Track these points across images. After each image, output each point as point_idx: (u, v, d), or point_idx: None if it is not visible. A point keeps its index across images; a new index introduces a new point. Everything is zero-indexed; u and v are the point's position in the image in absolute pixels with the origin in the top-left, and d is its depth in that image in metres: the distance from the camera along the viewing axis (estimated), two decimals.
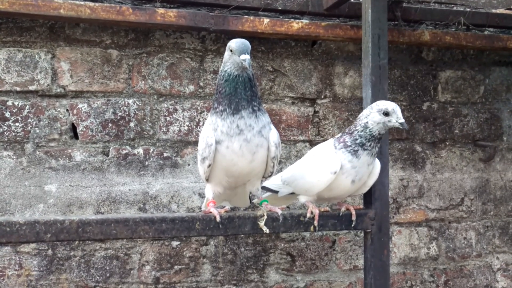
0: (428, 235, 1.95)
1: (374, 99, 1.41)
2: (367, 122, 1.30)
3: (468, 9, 1.93)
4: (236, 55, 1.18)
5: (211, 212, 1.26)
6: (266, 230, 1.27)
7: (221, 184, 1.30)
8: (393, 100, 1.94)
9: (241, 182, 1.31)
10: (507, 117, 2.08)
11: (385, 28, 1.45)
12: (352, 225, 1.35)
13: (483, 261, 2.01)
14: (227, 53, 1.21)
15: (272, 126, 1.26)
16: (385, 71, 1.43)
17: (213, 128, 1.22)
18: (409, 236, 1.92)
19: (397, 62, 1.97)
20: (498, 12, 1.98)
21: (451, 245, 1.97)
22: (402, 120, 1.28)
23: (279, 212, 1.28)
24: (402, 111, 1.94)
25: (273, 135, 1.24)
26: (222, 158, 1.22)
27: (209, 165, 1.24)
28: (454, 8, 1.96)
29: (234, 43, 1.19)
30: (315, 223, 1.31)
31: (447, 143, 2.00)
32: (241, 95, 1.18)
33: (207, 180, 1.31)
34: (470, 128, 2.03)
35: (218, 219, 1.25)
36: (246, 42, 1.20)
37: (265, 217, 1.28)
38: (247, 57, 1.16)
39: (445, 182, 1.98)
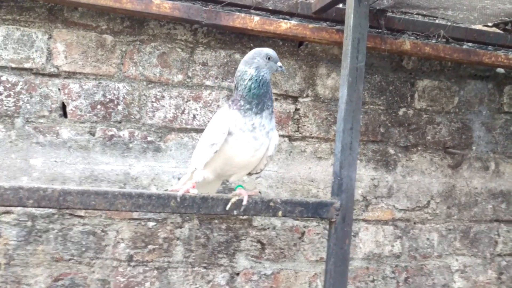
0: (393, 234, 2.05)
1: (349, 98, 1.50)
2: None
3: (449, 23, 2.03)
4: (273, 62, 1.38)
5: (178, 190, 1.34)
6: (235, 212, 1.36)
7: (215, 171, 1.41)
8: (371, 104, 2.05)
9: (232, 173, 1.44)
10: (478, 128, 2.19)
11: (365, 33, 1.54)
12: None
13: (442, 261, 2.12)
14: (262, 60, 1.37)
15: (275, 129, 1.42)
16: (361, 73, 1.52)
17: (230, 119, 1.34)
18: (375, 233, 2.03)
19: (378, 68, 2.07)
20: (476, 28, 2.09)
21: (414, 245, 2.08)
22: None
23: (245, 198, 1.37)
24: (379, 115, 2.06)
25: (275, 137, 1.40)
26: (228, 148, 1.34)
27: (215, 151, 1.35)
28: (436, 21, 2.06)
29: (272, 52, 1.39)
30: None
31: (419, 148, 2.10)
32: (269, 96, 1.36)
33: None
34: (442, 135, 2.13)
35: (178, 198, 1.32)
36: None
37: (236, 200, 1.37)
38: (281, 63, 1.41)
39: (413, 185, 2.08)
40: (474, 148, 2.18)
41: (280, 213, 1.42)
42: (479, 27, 2.09)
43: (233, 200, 1.37)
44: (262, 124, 1.34)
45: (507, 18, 1.87)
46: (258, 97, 1.34)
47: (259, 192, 1.43)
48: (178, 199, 1.32)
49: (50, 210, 1.68)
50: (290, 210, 1.43)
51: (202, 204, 1.35)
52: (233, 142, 1.33)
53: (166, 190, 1.36)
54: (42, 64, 1.70)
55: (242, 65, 1.38)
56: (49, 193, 1.24)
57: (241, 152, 1.35)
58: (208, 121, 1.84)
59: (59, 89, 1.72)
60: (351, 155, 1.49)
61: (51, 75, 1.71)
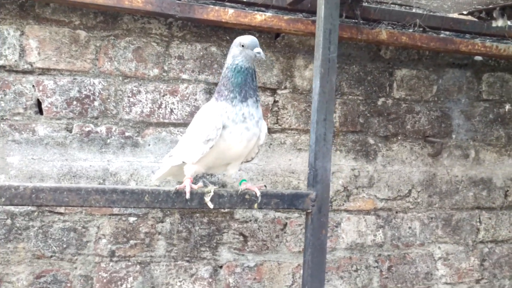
0: (375, 223, 2.06)
1: (322, 89, 1.51)
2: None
3: (425, 12, 2.04)
4: (249, 49, 1.34)
5: (185, 187, 1.36)
6: (210, 205, 1.36)
7: (206, 165, 1.43)
8: (350, 94, 2.05)
9: (224, 163, 1.46)
10: (457, 116, 2.20)
11: (336, 23, 1.54)
12: (289, 205, 1.45)
13: (425, 250, 2.13)
14: (236, 48, 1.36)
15: (263, 119, 1.43)
16: (334, 64, 1.52)
17: (221, 113, 1.34)
18: (357, 223, 2.03)
19: (356, 59, 2.07)
20: (452, 16, 2.09)
21: (396, 234, 2.09)
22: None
23: (257, 190, 1.40)
24: (358, 105, 2.06)
25: (264, 126, 1.43)
26: (222, 141, 1.35)
27: (211, 147, 1.35)
28: (412, 10, 2.07)
29: (246, 39, 1.36)
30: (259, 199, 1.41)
31: (399, 138, 2.11)
32: (249, 85, 1.35)
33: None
34: (421, 124, 2.14)
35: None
36: (255, 38, 1.37)
37: (212, 193, 1.36)
38: (260, 49, 1.34)
39: (394, 174, 2.09)
40: (453, 136, 2.19)
41: (255, 205, 1.42)
42: (455, 15, 2.10)
43: (207, 195, 1.36)
44: (251, 114, 1.35)
45: (480, 6, 1.87)
46: (238, 86, 1.34)
47: (265, 186, 1.48)
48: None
49: (29, 207, 1.67)
50: (266, 202, 1.43)
51: (177, 198, 1.35)
52: (227, 135, 1.34)
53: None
54: (15, 61, 1.68)
55: (227, 56, 1.40)
56: (21, 191, 1.23)
57: (235, 144, 1.36)
58: (186, 115, 1.84)
59: (33, 86, 1.70)
60: (325, 146, 1.50)
61: (24, 72, 1.70)
